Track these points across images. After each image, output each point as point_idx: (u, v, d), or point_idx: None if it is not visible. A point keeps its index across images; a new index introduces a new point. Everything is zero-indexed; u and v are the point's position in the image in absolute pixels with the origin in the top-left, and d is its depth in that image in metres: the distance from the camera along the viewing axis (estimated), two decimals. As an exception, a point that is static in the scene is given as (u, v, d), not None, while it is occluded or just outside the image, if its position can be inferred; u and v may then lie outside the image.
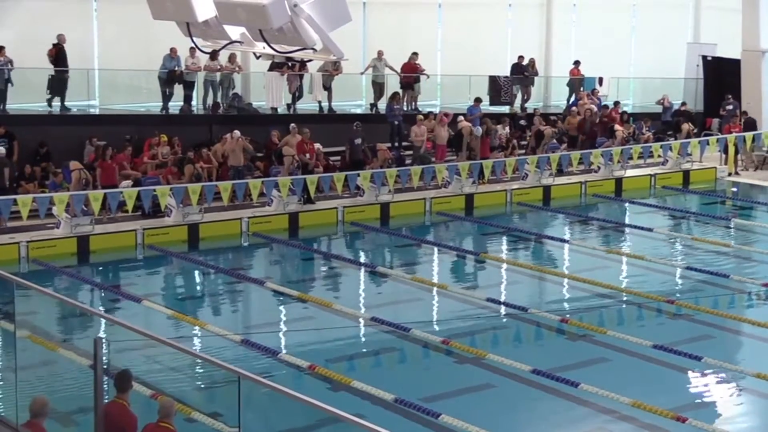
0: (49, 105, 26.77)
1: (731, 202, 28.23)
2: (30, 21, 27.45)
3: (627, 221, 25.42)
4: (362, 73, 30.94)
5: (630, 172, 29.00)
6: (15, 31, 27.07)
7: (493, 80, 32.86)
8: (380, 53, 30.40)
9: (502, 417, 13.32)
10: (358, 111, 31.13)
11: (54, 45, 26.38)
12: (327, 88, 29.69)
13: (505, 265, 21.34)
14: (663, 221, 25.47)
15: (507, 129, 29.77)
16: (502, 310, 17.82)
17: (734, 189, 29.39)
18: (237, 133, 25.19)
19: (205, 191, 22.64)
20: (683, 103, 33.92)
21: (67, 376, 14.54)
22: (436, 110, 30.80)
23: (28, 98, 26.75)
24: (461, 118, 28.88)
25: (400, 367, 15.66)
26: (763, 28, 31.96)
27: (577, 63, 34.42)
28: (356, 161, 26.36)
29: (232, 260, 22.24)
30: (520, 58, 33.33)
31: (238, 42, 10.69)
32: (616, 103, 33.33)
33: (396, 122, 28.71)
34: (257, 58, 11.48)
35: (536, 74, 33.94)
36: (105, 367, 8.96)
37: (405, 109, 29.95)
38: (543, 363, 14.56)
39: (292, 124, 26.36)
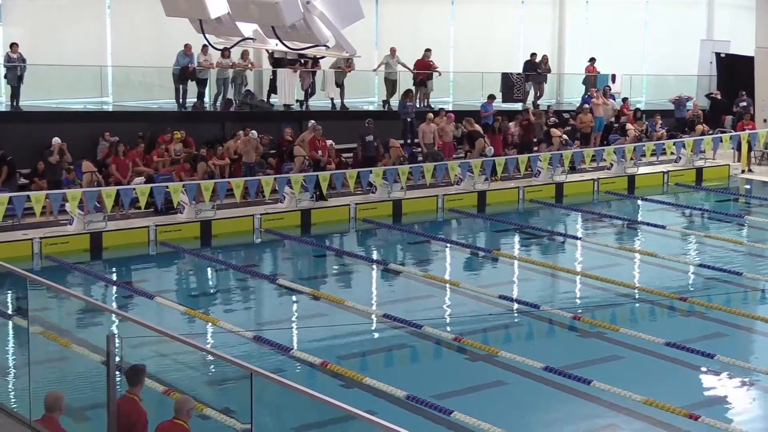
0: (269, 103, 28.66)
1: (744, 200, 28.16)
2: (43, 18, 27.53)
3: (640, 218, 25.36)
4: (375, 70, 30.95)
5: (643, 170, 28.96)
6: (28, 28, 27.16)
7: (506, 77, 32.82)
8: (393, 50, 30.40)
9: (514, 414, 13.31)
10: (371, 108, 31.14)
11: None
12: (339, 85, 29.72)
13: (517, 263, 21.32)
14: (676, 218, 25.42)
15: (518, 127, 29.74)
16: (515, 307, 17.81)
17: (747, 186, 29.32)
18: (254, 133, 25.25)
19: (217, 188, 22.69)
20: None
21: (79, 372, 14.59)
22: (449, 107, 30.81)
23: (42, 95, 26.83)
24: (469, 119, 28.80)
25: (412, 364, 15.67)
26: (776, 25, 31.90)
27: (592, 60, 34.36)
28: (369, 158, 26.36)
29: (245, 257, 22.28)
30: (533, 55, 33.30)
31: (251, 39, 10.70)
32: (625, 100, 33.32)
33: (408, 119, 28.70)
34: (270, 55, 11.46)
35: (549, 71, 33.90)
36: (118, 363, 8.97)
37: (417, 106, 29.94)
38: (555, 360, 14.54)
39: (312, 121, 26.39)
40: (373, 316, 17.47)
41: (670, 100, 34.06)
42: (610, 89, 33.20)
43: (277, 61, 28.41)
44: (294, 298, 18.66)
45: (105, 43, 28.78)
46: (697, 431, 12.65)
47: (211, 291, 19.96)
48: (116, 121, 26.46)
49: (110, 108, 27.92)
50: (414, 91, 29.83)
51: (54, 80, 27.07)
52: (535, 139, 29.67)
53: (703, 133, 31.32)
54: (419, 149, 28.11)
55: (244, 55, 28.18)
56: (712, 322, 16.85)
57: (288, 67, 28.59)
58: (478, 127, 28.34)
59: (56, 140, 23.06)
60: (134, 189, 22.14)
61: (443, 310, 18.14)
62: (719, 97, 35.10)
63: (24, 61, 25.69)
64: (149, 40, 28.25)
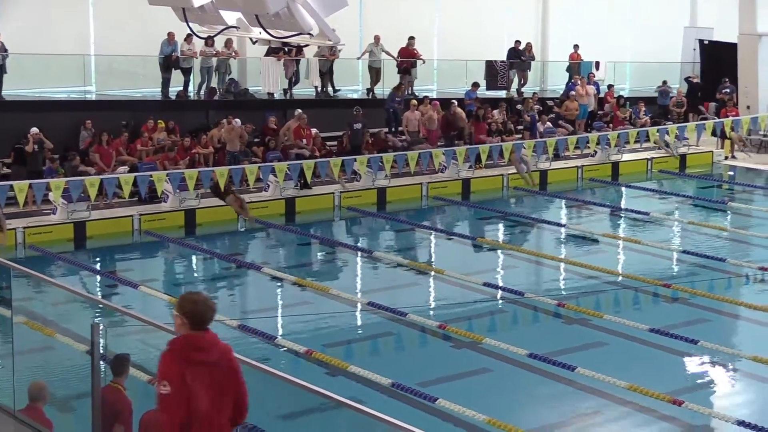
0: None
1: (727, 186, 28.26)
2: (26, 6, 27.37)
3: (623, 205, 25.43)
4: (359, 59, 30.90)
5: (626, 156, 29.02)
6: (10, 17, 27.00)
7: (490, 65, 32.83)
8: (377, 38, 30.35)
9: (499, 401, 13.33)
10: (355, 96, 31.10)
11: None
12: (324, 73, 29.66)
13: (501, 250, 21.36)
14: (659, 205, 25.49)
15: (503, 114, 29.79)
16: (499, 294, 17.85)
17: (731, 173, 29.44)
18: (238, 121, 25.17)
19: (201, 176, 22.63)
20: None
21: (64, 361, 14.55)
22: (433, 95, 30.79)
23: (24, 84, 26.68)
24: (455, 102, 28.78)
25: (396, 352, 15.70)
26: (759, 11, 31.95)
27: (576, 47, 34.38)
28: (356, 146, 26.33)
29: (229, 246, 22.25)
30: (517, 42, 33.30)
31: (235, 27, 10.67)
32: (611, 87, 33.37)
33: (391, 109, 28.69)
34: (254, 43, 11.44)
35: (533, 58, 33.91)
36: (102, 352, 8.95)
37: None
38: (540, 347, 14.57)
39: (298, 110, 26.36)
40: (357, 304, 17.48)
41: (658, 89, 34.07)
42: (594, 76, 33.24)
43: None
44: (278, 286, 18.66)
45: (88, 32, 28.63)
46: (680, 417, 12.72)
47: (196, 280, 19.94)
48: (99, 110, 26.32)
49: (93, 97, 27.81)
50: (400, 80, 29.77)
51: (37, 69, 26.92)
52: (454, 133, 29.08)
53: (687, 120, 31.39)
54: (404, 137, 28.10)
55: (228, 43, 28.11)
56: (696, 308, 16.92)
57: (272, 55, 28.56)
58: (460, 111, 28.28)
59: (34, 130, 22.96)
60: (118, 178, 22.07)
61: (428, 298, 18.18)
62: (695, 80, 35.12)
63: (5, 50, 25.55)
64: (132, 28, 28.08)
